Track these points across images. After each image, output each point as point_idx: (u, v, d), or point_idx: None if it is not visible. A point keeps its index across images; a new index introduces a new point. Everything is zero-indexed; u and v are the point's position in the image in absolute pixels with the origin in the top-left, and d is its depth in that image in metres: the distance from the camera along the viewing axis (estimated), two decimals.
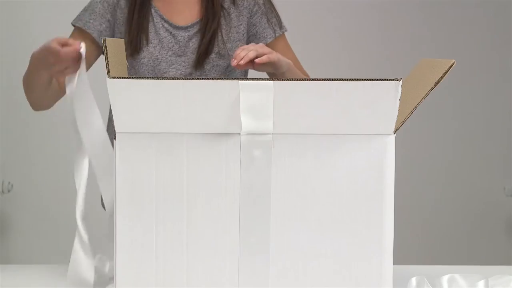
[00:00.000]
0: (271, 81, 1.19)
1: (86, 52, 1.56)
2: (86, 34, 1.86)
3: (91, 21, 1.86)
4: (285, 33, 1.96)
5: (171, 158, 1.24)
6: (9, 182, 3.31)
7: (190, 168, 1.24)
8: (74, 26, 1.90)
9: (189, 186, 1.24)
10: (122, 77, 1.20)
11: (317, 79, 1.19)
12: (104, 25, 1.87)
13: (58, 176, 3.35)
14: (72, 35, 1.89)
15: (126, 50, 1.77)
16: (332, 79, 1.19)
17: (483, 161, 3.43)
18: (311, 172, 1.24)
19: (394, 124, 1.23)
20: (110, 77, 1.20)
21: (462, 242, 3.44)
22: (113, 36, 1.88)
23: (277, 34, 1.93)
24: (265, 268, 1.25)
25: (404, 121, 1.26)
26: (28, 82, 1.75)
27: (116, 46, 1.38)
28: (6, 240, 3.37)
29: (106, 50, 1.27)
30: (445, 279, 1.47)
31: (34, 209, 3.38)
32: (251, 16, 1.90)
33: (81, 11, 1.89)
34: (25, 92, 1.81)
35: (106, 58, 1.26)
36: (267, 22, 1.91)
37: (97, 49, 1.87)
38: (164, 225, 1.25)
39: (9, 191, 3.31)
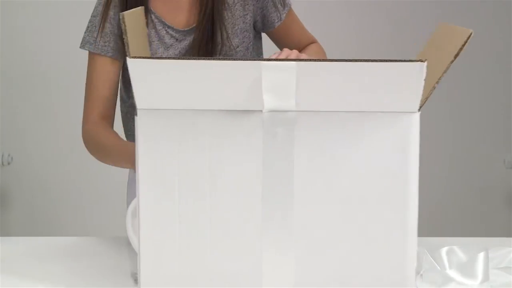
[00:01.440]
0: (294, 62, 1.18)
1: (114, 76, 1.71)
2: (108, 60, 1.78)
3: (107, 44, 1.76)
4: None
5: (193, 135, 1.23)
6: (9, 155, 3.31)
7: (212, 145, 1.23)
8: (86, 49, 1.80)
9: (211, 163, 1.24)
10: (143, 57, 1.18)
11: (341, 60, 1.18)
12: (120, 42, 1.77)
13: (58, 148, 3.35)
14: (91, 63, 1.79)
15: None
16: (356, 60, 1.17)
17: (483, 134, 3.44)
18: (334, 149, 1.23)
19: (419, 102, 1.21)
20: (130, 57, 1.19)
21: (462, 214, 3.46)
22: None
23: (283, 15, 1.85)
24: (288, 247, 1.25)
25: (427, 98, 1.25)
26: (105, 159, 1.77)
27: (135, 17, 1.36)
28: (6, 212, 3.38)
29: (125, 25, 1.26)
30: (444, 251, 1.47)
31: (34, 182, 3.39)
32: (257, 1, 1.80)
33: (87, 33, 1.78)
34: (91, 151, 1.80)
35: (125, 35, 1.25)
36: (273, 5, 1.82)
37: (119, 65, 1.79)
38: (187, 202, 1.25)
39: (9, 163, 3.32)
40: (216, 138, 1.23)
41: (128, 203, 1.93)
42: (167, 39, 1.77)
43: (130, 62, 1.19)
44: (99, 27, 1.76)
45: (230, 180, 1.24)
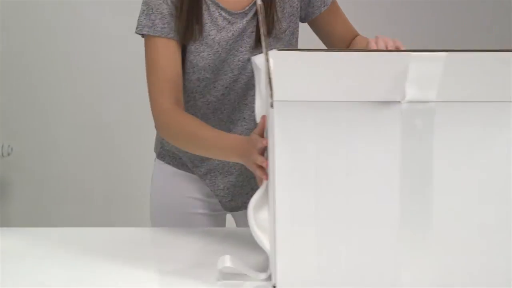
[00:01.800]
0: (443, 53, 1.18)
1: (178, 57, 1.65)
2: (169, 41, 1.72)
3: (166, 25, 1.71)
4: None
5: (330, 127, 1.22)
6: (9, 145, 3.28)
7: (349, 137, 1.23)
8: (143, 34, 1.74)
9: (348, 155, 1.23)
10: (287, 49, 1.19)
11: (482, 50, 1.18)
12: (177, 23, 1.72)
13: (58, 139, 3.32)
14: (152, 47, 1.73)
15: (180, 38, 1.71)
16: (499, 50, 1.18)
17: None
18: (474, 140, 1.23)
19: None
20: (278, 49, 1.19)
21: None
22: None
23: (329, 1, 1.85)
24: (426, 239, 1.25)
25: None
26: (197, 150, 1.67)
27: None
28: (6, 203, 3.34)
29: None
30: None
31: (33, 173, 3.36)
32: None
33: (144, 17, 1.72)
34: (173, 141, 1.71)
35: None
36: None
37: (179, 46, 1.74)
38: (324, 195, 1.24)
39: (9, 154, 3.29)
40: (353, 129, 1.23)
41: (154, 197, 1.95)
42: (220, 21, 1.75)
43: (273, 54, 1.17)
44: (155, 10, 1.71)
45: (367, 173, 1.23)
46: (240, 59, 1.76)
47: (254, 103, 1.76)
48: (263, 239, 1.35)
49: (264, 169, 1.39)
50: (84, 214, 3.36)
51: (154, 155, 1.99)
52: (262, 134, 1.45)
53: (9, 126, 3.29)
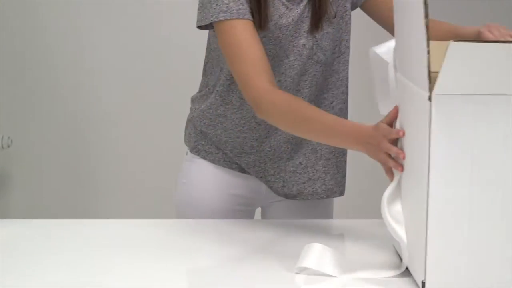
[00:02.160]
0: None
1: (258, 37, 1.61)
2: (247, 22, 1.66)
3: (241, 6, 1.65)
4: None
5: (487, 121, 1.22)
6: (8, 137, 3.23)
7: (508, 132, 1.22)
8: (219, 21, 1.67)
9: (506, 153, 1.23)
10: (464, 41, 1.16)
11: None
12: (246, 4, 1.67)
13: (57, 131, 3.29)
14: (231, 31, 1.66)
15: None
16: None
17: None
18: None
19: None
20: (454, 40, 1.16)
21: None
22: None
23: None
24: None
25: None
26: (304, 130, 1.62)
27: None
28: (5, 195, 3.32)
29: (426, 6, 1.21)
30: None
31: (33, 164, 3.32)
32: None
33: (214, 4, 1.66)
34: (278, 120, 1.64)
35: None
36: None
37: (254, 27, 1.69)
38: (478, 191, 1.24)
39: (8, 146, 3.24)
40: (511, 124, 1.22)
41: (186, 192, 1.91)
42: (281, 7, 1.73)
43: (453, 45, 1.15)
44: None
45: None
46: (296, 44, 1.75)
47: (306, 88, 1.77)
48: (399, 231, 1.34)
49: (396, 161, 1.39)
50: (84, 205, 3.36)
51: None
52: (391, 124, 1.43)
53: (9, 118, 3.24)
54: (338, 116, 1.78)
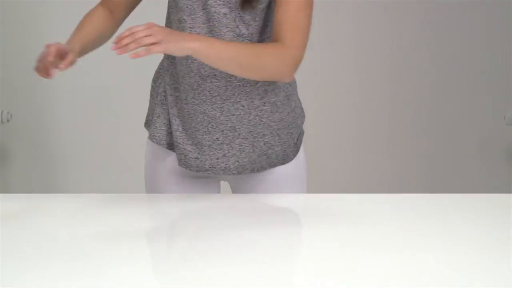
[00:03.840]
0: None
1: None
2: None
3: None
4: None
5: None
6: (8, 112, 3.27)
7: None
8: None
9: None
10: None
11: None
12: None
13: (57, 105, 3.32)
14: None
15: None
16: None
17: (484, 90, 3.48)
18: None
19: None
20: None
21: (461, 171, 3.51)
22: None
23: None
24: None
25: None
26: None
27: None
28: (5, 169, 3.35)
29: None
30: None
31: (33, 139, 3.36)
32: None
33: None
34: None
35: None
36: None
37: None
38: None
39: (8, 120, 3.28)
40: None
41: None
42: None
43: None
44: None
45: None
46: (217, 10, 1.76)
47: None
48: None
49: None
50: (84, 179, 3.37)
51: None
52: None
53: (8, 92, 3.28)
54: (262, 97, 1.85)
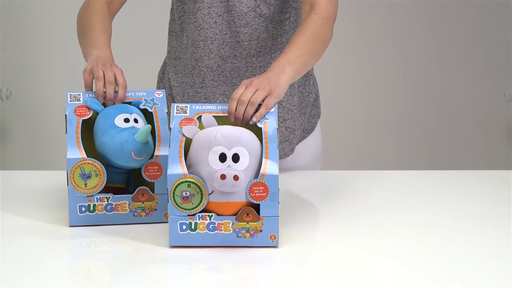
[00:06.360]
0: None
1: None
2: None
3: None
4: None
5: None
6: (7, 89, 3.27)
7: None
8: None
9: None
10: None
11: None
12: None
13: (56, 81, 3.30)
14: None
15: None
16: None
17: (483, 67, 3.47)
18: None
19: None
20: None
21: (462, 147, 3.50)
22: None
23: None
24: None
25: None
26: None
27: None
28: (5, 146, 3.34)
29: None
30: None
31: (32, 116, 3.36)
32: None
33: None
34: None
35: None
36: None
37: None
38: None
39: (7, 97, 3.28)
40: None
41: None
42: None
43: None
44: None
45: None
46: None
47: (246, 41, 1.76)
48: None
49: None
50: None
51: None
52: None
53: (8, 69, 3.27)
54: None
